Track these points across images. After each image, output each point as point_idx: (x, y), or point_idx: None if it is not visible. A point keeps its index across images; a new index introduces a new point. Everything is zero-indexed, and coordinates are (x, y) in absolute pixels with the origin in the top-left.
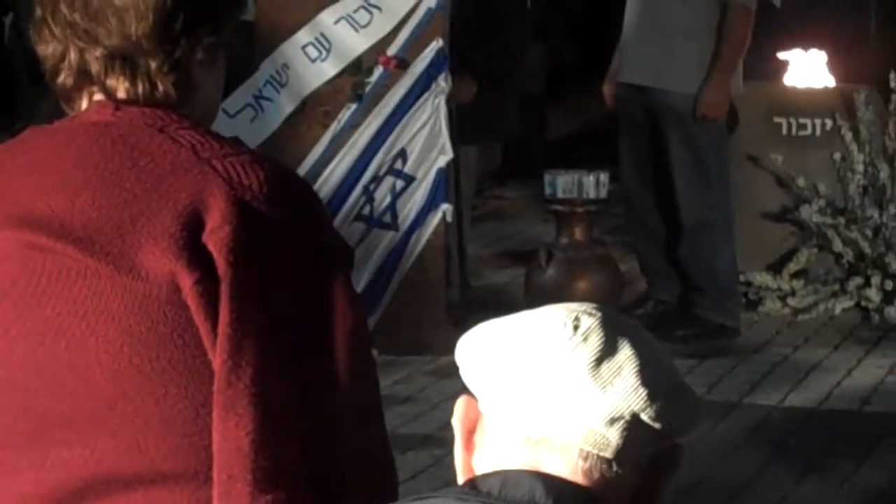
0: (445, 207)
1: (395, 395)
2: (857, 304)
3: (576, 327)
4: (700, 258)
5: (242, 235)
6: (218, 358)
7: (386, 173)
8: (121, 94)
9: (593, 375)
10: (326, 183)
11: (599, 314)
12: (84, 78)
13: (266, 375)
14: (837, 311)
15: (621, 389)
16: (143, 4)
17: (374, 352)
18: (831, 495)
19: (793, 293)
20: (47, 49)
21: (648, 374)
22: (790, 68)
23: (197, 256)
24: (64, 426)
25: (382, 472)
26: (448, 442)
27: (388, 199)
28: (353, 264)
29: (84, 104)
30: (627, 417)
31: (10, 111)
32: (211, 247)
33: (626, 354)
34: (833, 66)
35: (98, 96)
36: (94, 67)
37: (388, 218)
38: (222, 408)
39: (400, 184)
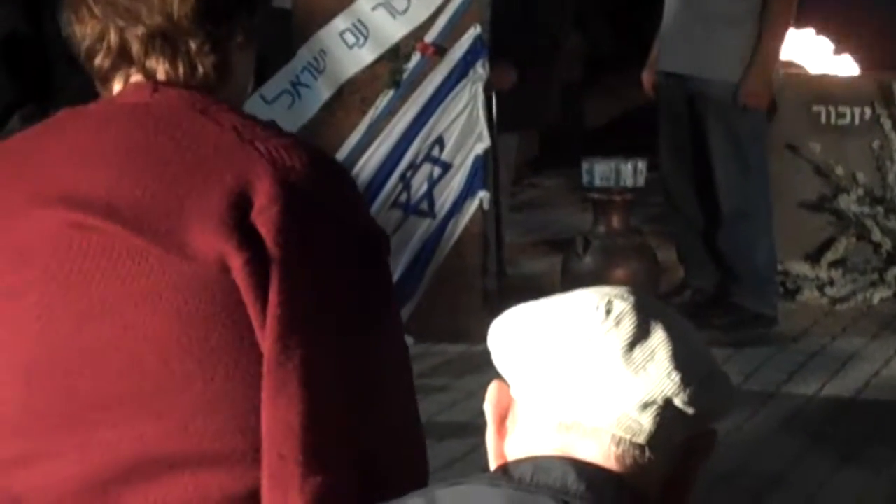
0: (482, 195)
1: (431, 383)
2: None
3: (608, 311)
4: (738, 247)
5: (290, 216)
6: (268, 339)
7: (423, 160)
8: (160, 76)
9: (626, 360)
10: (364, 170)
11: (632, 298)
12: (123, 59)
13: (316, 356)
14: (875, 300)
15: (654, 374)
16: None
17: (410, 339)
18: (869, 485)
19: (831, 283)
20: (85, 29)
21: (681, 359)
22: (829, 56)
23: (246, 237)
24: (109, 408)
25: (417, 457)
26: (484, 430)
27: (424, 187)
28: (390, 249)
29: (118, 87)
30: (660, 402)
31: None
32: (260, 227)
33: (659, 339)
34: (873, 54)
35: (135, 78)
36: (135, 47)
37: (424, 205)
38: (273, 388)
39: (437, 171)
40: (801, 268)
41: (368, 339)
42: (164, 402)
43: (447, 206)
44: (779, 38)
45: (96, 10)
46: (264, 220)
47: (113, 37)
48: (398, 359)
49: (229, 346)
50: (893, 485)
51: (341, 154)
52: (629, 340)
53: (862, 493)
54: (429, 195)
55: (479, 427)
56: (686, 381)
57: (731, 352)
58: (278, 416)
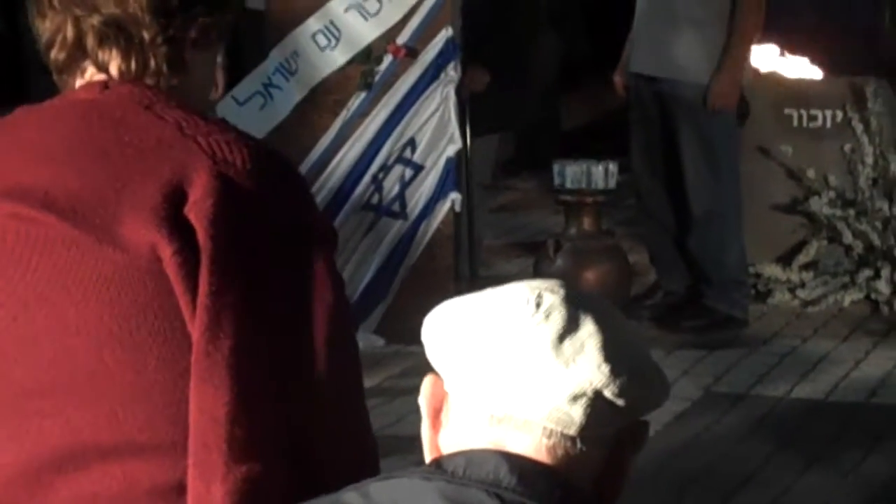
0: (454, 197)
1: (402, 384)
2: (867, 297)
3: (538, 304)
4: (709, 249)
5: (224, 209)
6: (196, 328)
7: (395, 162)
8: (113, 69)
9: (556, 352)
10: (335, 171)
11: (562, 291)
12: (78, 52)
13: (244, 347)
14: (847, 303)
15: (584, 366)
16: None
17: (381, 340)
18: (836, 486)
19: (802, 285)
20: (44, 23)
21: (611, 351)
22: (801, 60)
23: (178, 228)
24: (42, 396)
25: (361, 452)
26: None
27: (396, 188)
28: (336, 245)
29: (77, 82)
30: (590, 394)
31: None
32: (192, 219)
33: (588, 331)
34: (844, 57)
35: (90, 72)
36: (89, 39)
37: (396, 207)
38: (199, 378)
39: (409, 173)
40: (772, 270)
41: (302, 333)
42: (96, 391)
43: (419, 207)
44: (747, 40)
45: (55, 2)
46: (198, 212)
47: (70, 29)
48: (340, 353)
49: (161, 337)
50: (861, 487)
51: (313, 156)
52: (559, 333)
53: (829, 495)
54: (401, 197)
55: None
56: (616, 373)
57: (703, 354)
58: (204, 406)
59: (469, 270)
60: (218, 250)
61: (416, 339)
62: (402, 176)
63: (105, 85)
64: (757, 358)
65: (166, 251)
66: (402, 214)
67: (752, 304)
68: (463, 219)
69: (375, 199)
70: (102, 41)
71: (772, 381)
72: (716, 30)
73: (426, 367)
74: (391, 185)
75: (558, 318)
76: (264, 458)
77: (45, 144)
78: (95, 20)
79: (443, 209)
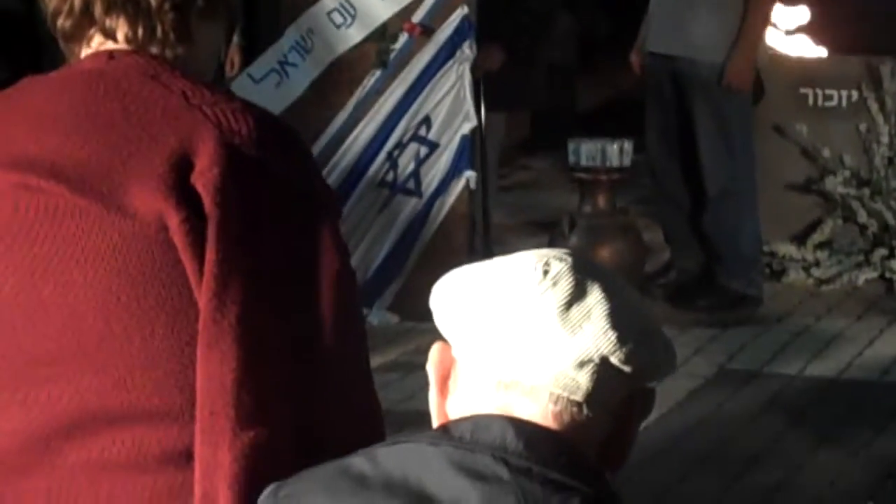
0: (469, 175)
1: (416, 361)
2: (881, 276)
3: (546, 272)
4: (724, 228)
5: (230, 177)
6: (203, 296)
7: (410, 140)
8: (119, 36)
9: (563, 319)
10: (351, 149)
11: (570, 259)
12: (84, 19)
13: (250, 314)
14: (861, 281)
15: (590, 332)
16: None
17: (396, 317)
18: (847, 464)
19: (817, 264)
20: None
21: (618, 318)
22: (816, 38)
23: (185, 196)
24: (51, 364)
25: (366, 418)
26: None
27: (411, 166)
28: (340, 214)
29: (84, 52)
30: (597, 360)
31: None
32: (199, 187)
33: (595, 298)
34: (860, 36)
35: (97, 40)
36: (97, 6)
37: (411, 184)
38: (206, 345)
39: (424, 150)
40: (786, 249)
41: (308, 301)
42: (104, 357)
43: (434, 185)
44: (764, 19)
45: None
46: (204, 180)
47: None
48: (345, 322)
49: (168, 304)
50: (872, 465)
51: (328, 133)
52: (566, 300)
53: (841, 473)
54: (415, 174)
55: None
56: (622, 340)
57: (716, 332)
58: (211, 372)
59: (483, 248)
60: (224, 218)
61: (430, 316)
62: (417, 154)
63: (111, 55)
64: (771, 336)
65: (173, 219)
66: (417, 192)
67: (767, 283)
68: (477, 197)
69: (390, 177)
70: (110, 7)
71: (785, 360)
72: (731, 9)
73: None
74: (406, 163)
75: (566, 285)
76: (271, 423)
77: (52, 114)
78: None
79: (457, 187)
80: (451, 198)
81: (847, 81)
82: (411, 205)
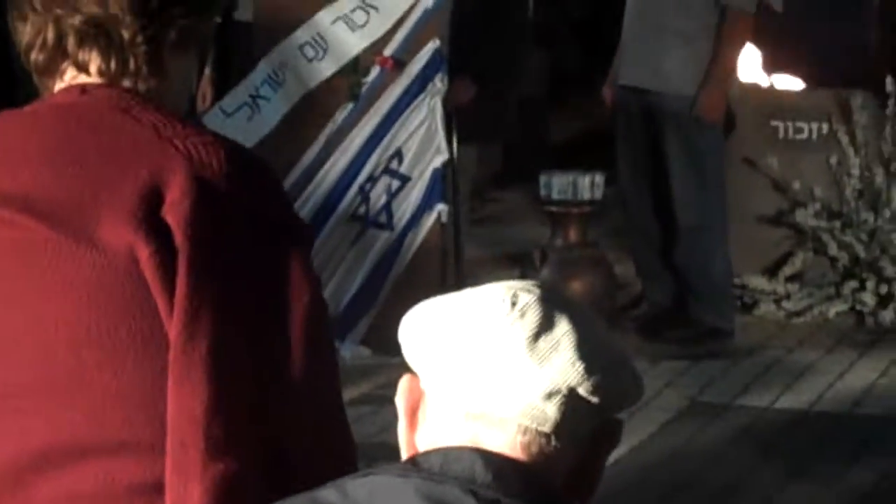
0: (441, 208)
1: (388, 394)
2: (852, 308)
3: (514, 303)
4: (695, 260)
5: (201, 210)
6: (174, 328)
7: (381, 173)
8: (92, 69)
9: (531, 350)
10: (322, 182)
11: (538, 291)
12: (58, 53)
13: (221, 346)
14: (832, 314)
15: (558, 364)
16: None
17: (367, 351)
18: (819, 497)
19: (787, 296)
20: (25, 26)
21: (586, 349)
22: (787, 71)
23: (155, 229)
24: (22, 396)
25: (338, 450)
26: None
27: (383, 199)
28: (312, 243)
29: (57, 86)
30: (565, 391)
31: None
32: (170, 220)
33: (563, 330)
34: (830, 69)
35: (70, 73)
36: (70, 40)
37: (383, 218)
38: (177, 377)
39: (395, 184)
40: (758, 282)
41: (279, 332)
42: (75, 390)
43: (405, 218)
44: (735, 53)
45: (37, 4)
46: (175, 213)
47: (50, 30)
48: (316, 351)
49: (139, 337)
50: (845, 497)
51: (300, 167)
52: (534, 331)
53: None
54: (387, 208)
55: None
56: (590, 371)
57: (688, 364)
58: (182, 405)
59: (455, 281)
60: (195, 251)
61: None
62: (389, 187)
63: (83, 89)
64: (742, 369)
65: (143, 252)
66: (389, 225)
67: (738, 316)
68: (449, 230)
69: (362, 211)
70: (83, 41)
71: (756, 392)
72: (703, 42)
73: None
74: (378, 197)
75: (533, 316)
76: (241, 456)
77: (24, 149)
78: (76, 20)
79: (429, 220)
80: (422, 231)
81: (817, 114)
82: (383, 238)
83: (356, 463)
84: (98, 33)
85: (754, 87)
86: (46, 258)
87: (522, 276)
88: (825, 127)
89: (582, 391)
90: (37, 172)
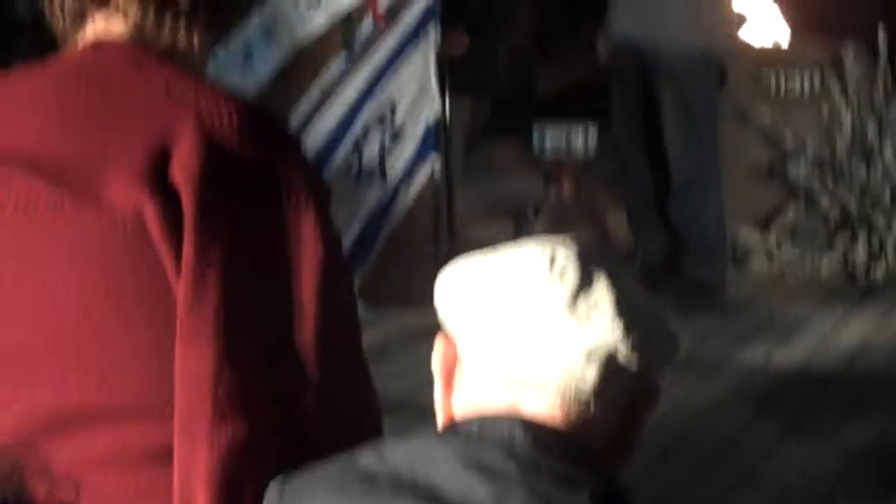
0: (434, 160)
1: (384, 347)
2: (844, 261)
3: (552, 264)
4: (688, 215)
5: (209, 168)
6: (181, 289)
7: (375, 125)
8: (129, 17)
9: (571, 311)
10: (315, 135)
11: (575, 247)
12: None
13: (228, 307)
14: (823, 267)
15: (598, 324)
16: None
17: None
18: (815, 453)
19: (779, 248)
20: None
21: (624, 308)
22: (779, 23)
23: (162, 188)
24: (30, 360)
25: (361, 416)
26: (430, 403)
27: (376, 151)
28: (328, 200)
29: (80, 36)
30: (604, 352)
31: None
32: (178, 180)
33: (602, 288)
34: (821, 21)
35: (100, 23)
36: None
37: (376, 170)
38: (183, 340)
39: (389, 136)
40: (750, 235)
41: (289, 293)
42: (84, 353)
43: (399, 171)
44: None
45: None
46: (183, 171)
47: None
48: (333, 311)
49: (147, 298)
50: (840, 453)
51: (293, 119)
52: (573, 292)
53: (809, 462)
54: (380, 160)
55: (431, 391)
56: (629, 329)
57: (681, 319)
58: (188, 368)
59: (448, 233)
60: (202, 210)
61: (396, 302)
62: (382, 139)
63: (97, 45)
64: (735, 323)
65: (150, 212)
66: (382, 178)
67: (730, 270)
68: (442, 182)
69: (355, 163)
70: None
71: (749, 347)
72: None
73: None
74: (371, 149)
75: (572, 276)
76: (250, 420)
77: (32, 106)
78: None
79: (423, 172)
80: (416, 183)
81: (809, 66)
82: (376, 190)
83: (380, 427)
84: None
85: (745, 40)
86: (52, 218)
87: (516, 229)
88: (817, 79)
89: (621, 350)
90: (44, 130)
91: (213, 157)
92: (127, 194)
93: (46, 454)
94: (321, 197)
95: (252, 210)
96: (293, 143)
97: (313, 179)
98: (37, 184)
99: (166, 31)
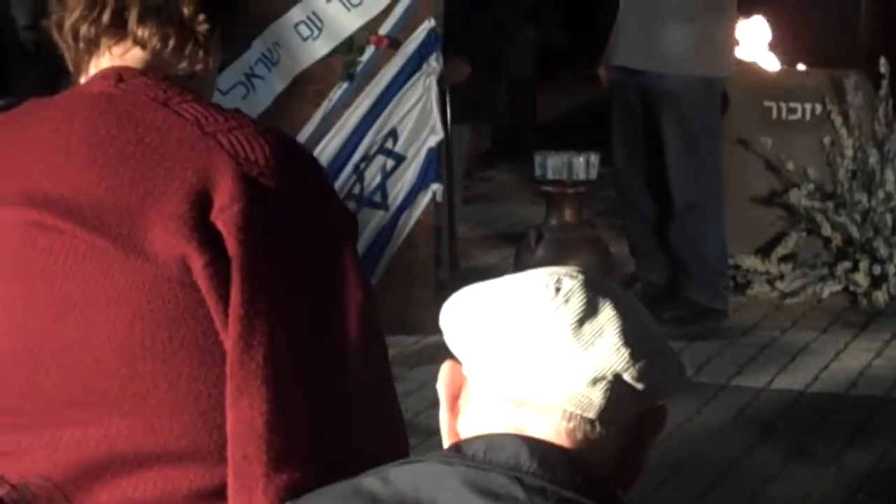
0: (435, 187)
1: None
2: (846, 289)
3: (557, 289)
4: (689, 240)
5: (251, 213)
6: (230, 338)
7: (376, 153)
8: (149, 46)
9: (575, 336)
10: None
11: (581, 276)
12: (112, 27)
13: (278, 354)
14: (825, 294)
15: (603, 349)
16: None
17: None
18: (818, 477)
19: (781, 277)
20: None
21: (630, 335)
22: (780, 52)
23: (206, 237)
24: (76, 406)
25: (394, 444)
26: (437, 421)
27: (378, 179)
28: (357, 233)
29: (93, 65)
30: (610, 377)
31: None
32: (220, 226)
33: (607, 315)
34: (823, 49)
35: (117, 50)
36: (133, 13)
37: (378, 197)
38: (235, 388)
39: (390, 163)
40: (751, 262)
41: (336, 333)
42: (130, 401)
43: (400, 198)
44: None
45: None
46: (225, 219)
47: (112, 2)
48: (371, 347)
49: (194, 346)
50: (843, 478)
51: None
52: (578, 317)
53: (811, 486)
54: (382, 187)
55: (432, 416)
56: (635, 357)
57: (683, 345)
58: (241, 417)
59: (450, 260)
60: (248, 257)
61: (397, 328)
62: (384, 166)
63: (119, 77)
64: (737, 349)
65: (197, 263)
66: (384, 205)
67: (732, 296)
68: (443, 209)
69: (357, 190)
70: (146, 15)
71: (751, 373)
72: (700, 22)
73: (408, 357)
74: (373, 176)
75: (577, 302)
76: (303, 465)
77: (64, 145)
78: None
79: (424, 200)
80: (417, 210)
81: (811, 95)
82: (378, 217)
83: (408, 452)
84: (161, 7)
85: (747, 68)
86: (95, 267)
87: (518, 256)
88: (818, 107)
89: (627, 377)
90: (79, 173)
91: (254, 199)
92: (171, 245)
93: (92, 496)
94: (353, 232)
95: (294, 252)
96: (324, 177)
97: (346, 214)
98: (77, 231)
99: (185, 59)
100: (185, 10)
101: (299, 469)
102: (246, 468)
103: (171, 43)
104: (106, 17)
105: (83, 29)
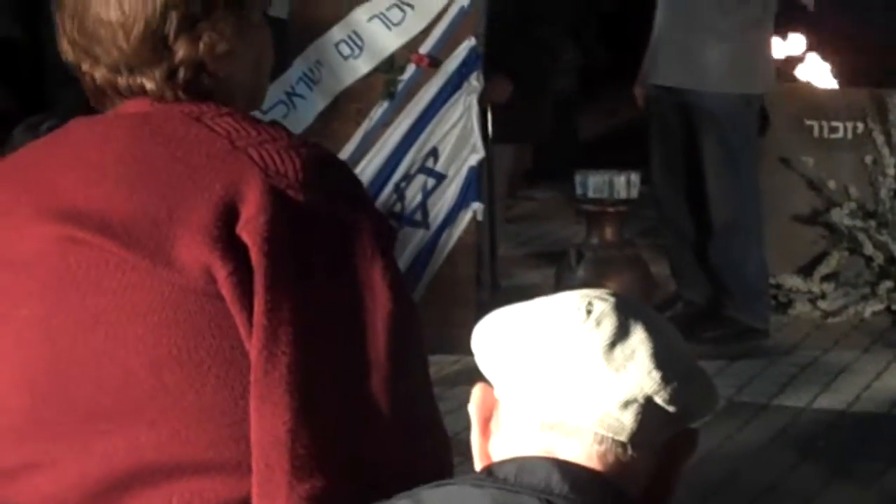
0: (476, 206)
1: None
2: (888, 308)
3: (589, 311)
4: (730, 260)
5: (277, 225)
6: (253, 348)
7: (417, 171)
8: (147, 89)
9: (607, 359)
10: None
11: (612, 299)
12: (107, 90)
13: (301, 364)
14: (867, 314)
15: (635, 372)
16: (130, 17)
17: None
18: (860, 498)
19: (823, 296)
20: (68, 55)
21: (662, 358)
22: (822, 70)
23: (232, 247)
24: (106, 417)
25: (433, 464)
26: (467, 447)
27: (419, 198)
28: (394, 243)
29: (116, 101)
30: (641, 400)
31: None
32: (246, 237)
33: (639, 338)
34: (864, 68)
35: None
36: (102, 83)
37: (418, 216)
38: (258, 397)
39: (431, 182)
40: (793, 281)
41: (362, 344)
42: (158, 412)
43: (441, 217)
44: None
45: (65, 46)
46: (251, 230)
47: (98, 76)
48: (404, 358)
49: (219, 357)
50: (883, 499)
51: None
52: (610, 340)
53: None
54: (423, 206)
55: (466, 441)
56: (666, 380)
57: (724, 364)
58: (264, 425)
59: (490, 280)
60: (272, 268)
61: (437, 348)
62: (425, 185)
63: (155, 98)
64: (778, 369)
65: (221, 272)
66: (425, 224)
67: (773, 315)
68: (484, 228)
69: (398, 209)
70: (117, 82)
71: (793, 392)
72: (739, 41)
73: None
74: (413, 195)
75: (609, 325)
76: (327, 475)
77: (99, 163)
78: (101, 72)
79: (465, 219)
80: (458, 229)
81: (852, 113)
82: (419, 236)
83: (451, 470)
84: (130, 75)
85: (788, 87)
86: (124, 279)
87: (558, 275)
88: (860, 126)
89: (658, 400)
90: (111, 189)
91: (281, 212)
92: (197, 255)
93: None
94: (388, 242)
95: (321, 263)
96: (358, 188)
97: (380, 225)
98: (108, 245)
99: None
100: (157, 73)
101: (323, 478)
102: (269, 477)
103: (165, 80)
104: (98, 88)
105: (85, 85)
